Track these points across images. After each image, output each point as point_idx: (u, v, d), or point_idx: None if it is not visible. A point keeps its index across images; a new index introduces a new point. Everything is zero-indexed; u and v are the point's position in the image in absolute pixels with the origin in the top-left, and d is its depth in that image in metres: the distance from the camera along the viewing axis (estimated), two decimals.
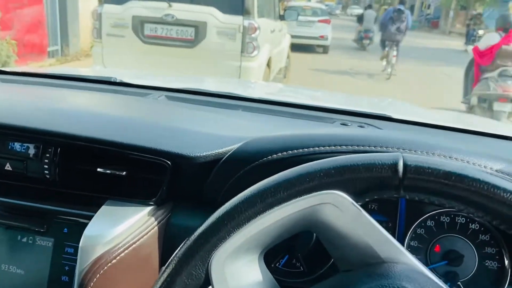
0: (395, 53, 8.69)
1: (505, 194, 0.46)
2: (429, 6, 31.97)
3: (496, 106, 4.88)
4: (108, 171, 0.75)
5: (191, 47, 4.40)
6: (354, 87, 7.68)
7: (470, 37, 15.84)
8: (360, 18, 12.47)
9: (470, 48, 6.31)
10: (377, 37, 10.65)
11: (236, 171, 0.73)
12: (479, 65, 5.30)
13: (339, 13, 40.92)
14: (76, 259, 0.68)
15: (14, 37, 6.20)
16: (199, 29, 4.34)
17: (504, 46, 4.97)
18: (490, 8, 27.22)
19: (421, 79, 8.91)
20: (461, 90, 5.99)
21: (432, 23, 31.10)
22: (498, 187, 0.46)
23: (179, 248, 0.52)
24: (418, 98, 6.23)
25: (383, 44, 9.25)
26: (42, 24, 7.13)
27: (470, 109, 5.36)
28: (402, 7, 9.29)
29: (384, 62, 9.00)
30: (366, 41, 12.34)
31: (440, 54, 13.68)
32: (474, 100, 5.22)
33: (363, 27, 12.19)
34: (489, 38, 5.40)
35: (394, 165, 0.49)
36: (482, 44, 5.42)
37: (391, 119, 1.12)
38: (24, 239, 0.72)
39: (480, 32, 14.67)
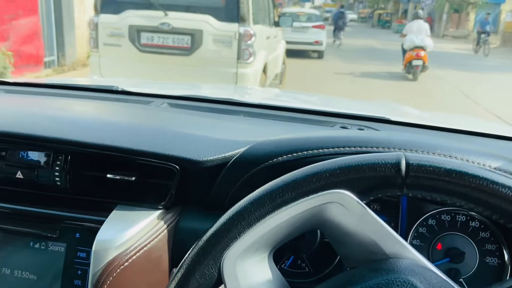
0: (342, 33, 15.97)
1: (503, 189, 0.48)
2: (422, 10, 32.23)
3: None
4: (117, 177, 0.77)
5: (188, 55, 4.43)
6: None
7: None
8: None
9: None
10: None
11: (242, 174, 0.75)
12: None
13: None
14: (88, 263, 0.70)
15: (10, 48, 6.21)
16: (195, 37, 4.37)
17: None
18: (483, 11, 27.48)
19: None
20: None
21: None
22: (496, 183, 0.48)
23: (191, 248, 0.53)
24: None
25: (334, 30, 15.99)
26: (38, 35, 7.14)
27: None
28: (342, 10, 17.23)
29: (335, 40, 15.69)
30: None
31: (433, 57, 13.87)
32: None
33: None
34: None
35: (397, 164, 0.51)
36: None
37: (389, 122, 1.14)
38: (37, 245, 0.74)
39: None
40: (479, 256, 0.77)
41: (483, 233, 0.78)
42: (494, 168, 0.62)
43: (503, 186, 0.48)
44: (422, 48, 9.01)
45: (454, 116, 1.96)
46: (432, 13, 30.06)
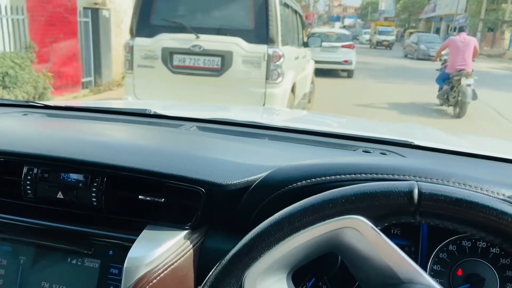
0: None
1: None
2: (455, 29, 31.56)
3: None
4: (148, 198, 0.82)
5: (218, 75, 4.54)
6: None
7: None
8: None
9: None
10: None
11: (264, 197, 0.78)
12: None
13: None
14: (119, 279, 0.75)
15: (50, 70, 6.53)
16: (225, 58, 4.48)
17: None
18: None
19: None
20: None
21: None
22: (505, 213, 0.50)
23: (215, 267, 0.57)
24: None
25: None
26: (76, 57, 7.48)
27: None
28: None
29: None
30: None
31: None
32: None
33: None
34: None
35: (410, 192, 0.53)
36: None
37: (413, 146, 1.15)
38: (74, 261, 0.79)
39: None
40: (499, 282, 0.77)
41: (504, 260, 0.78)
42: (508, 197, 0.63)
43: None
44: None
45: (483, 139, 1.93)
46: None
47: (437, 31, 36.90)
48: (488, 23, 28.23)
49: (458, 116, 7.25)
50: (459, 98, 7.12)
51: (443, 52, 7.95)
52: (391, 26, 35.95)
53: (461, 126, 6.68)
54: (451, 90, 7.39)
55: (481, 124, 6.91)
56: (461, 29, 7.65)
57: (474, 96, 7.10)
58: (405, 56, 23.46)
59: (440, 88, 7.74)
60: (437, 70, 8.10)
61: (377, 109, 7.91)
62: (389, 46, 30.74)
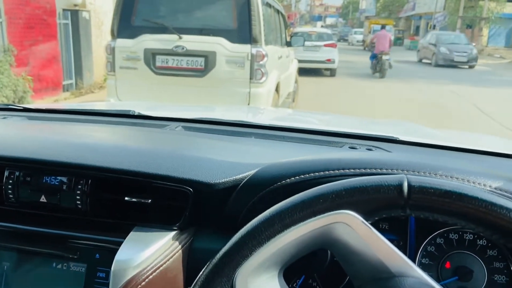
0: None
1: (501, 210, 0.50)
2: (434, 27, 31.99)
3: None
4: (134, 200, 0.81)
5: (201, 76, 4.51)
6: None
7: None
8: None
9: None
10: None
11: (253, 195, 0.78)
12: None
13: None
14: (107, 283, 0.73)
15: (29, 73, 6.40)
16: (208, 58, 4.45)
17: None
18: (496, 26, 27.32)
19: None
20: None
21: None
22: (495, 204, 0.50)
23: (205, 267, 0.56)
24: None
25: None
26: (57, 60, 7.35)
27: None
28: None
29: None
30: None
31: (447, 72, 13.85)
32: None
33: None
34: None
35: (400, 186, 0.53)
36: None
37: (398, 141, 1.16)
38: (59, 266, 0.77)
39: None
40: (487, 274, 0.78)
41: (491, 251, 0.79)
42: (495, 188, 0.63)
43: (501, 207, 0.50)
44: None
45: (467, 134, 1.97)
46: (444, 29, 29.90)
47: (417, 29, 37.42)
48: (467, 20, 28.71)
49: (381, 77, 12.18)
50: (381, 67, 12.25)
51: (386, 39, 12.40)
52: (388, 24, 28.67)
53: (382, 82, 11.32)
54: (377, 63, 12.43)
55: (461, 119, 7.05)
56: (382, 27, 13.90)
57: (390, 66, 12.32)
58: (420, 60, 18.36)
59: (372, 62, 12.90)
60: (369, 50, 13.32)
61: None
62: None
